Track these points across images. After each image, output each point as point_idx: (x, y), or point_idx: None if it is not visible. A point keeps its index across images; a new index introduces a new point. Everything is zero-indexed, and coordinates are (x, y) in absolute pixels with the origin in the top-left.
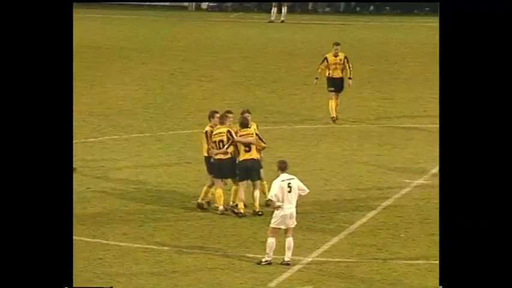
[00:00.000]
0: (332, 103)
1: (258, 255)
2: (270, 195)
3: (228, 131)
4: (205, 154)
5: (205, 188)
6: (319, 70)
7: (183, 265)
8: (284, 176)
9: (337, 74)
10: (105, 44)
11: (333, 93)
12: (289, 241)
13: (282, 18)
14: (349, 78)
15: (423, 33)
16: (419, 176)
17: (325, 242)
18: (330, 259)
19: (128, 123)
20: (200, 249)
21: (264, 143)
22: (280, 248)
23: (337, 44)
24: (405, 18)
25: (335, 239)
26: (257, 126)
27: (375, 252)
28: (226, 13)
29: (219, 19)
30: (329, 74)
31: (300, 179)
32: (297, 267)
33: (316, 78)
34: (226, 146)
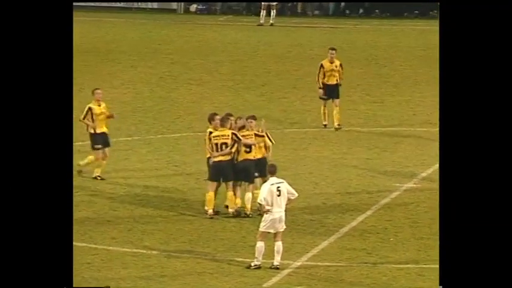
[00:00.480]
0: (325, 110)
1: (247, 260)
2: (260, 199)
3: (233, 133)
4: (209, 156)
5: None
6: (320, 80)
7: (172, 269)
8: (273, 179)
9: (332, 80)
10: (93, 47)
11: (325, 100)
12: (279, 245)
13: (271, 21)
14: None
15: (413, 36)
16: (409, 179)
17: (314, 246)
18: (319, 263)
19: (117, 126)
20: (189, 254)
21: (262, 136)
22: (270, 252)
23: (333, 49)
24: (395, 21)
25: (324, 243)
26: (261, 130)
27: (365, 256)
28: (215, 16)
29: (207, 22)
30: (324, 80)
31: (289, 183)
32: (286, 271)
33: (319, 88)
34: (230, 147)
